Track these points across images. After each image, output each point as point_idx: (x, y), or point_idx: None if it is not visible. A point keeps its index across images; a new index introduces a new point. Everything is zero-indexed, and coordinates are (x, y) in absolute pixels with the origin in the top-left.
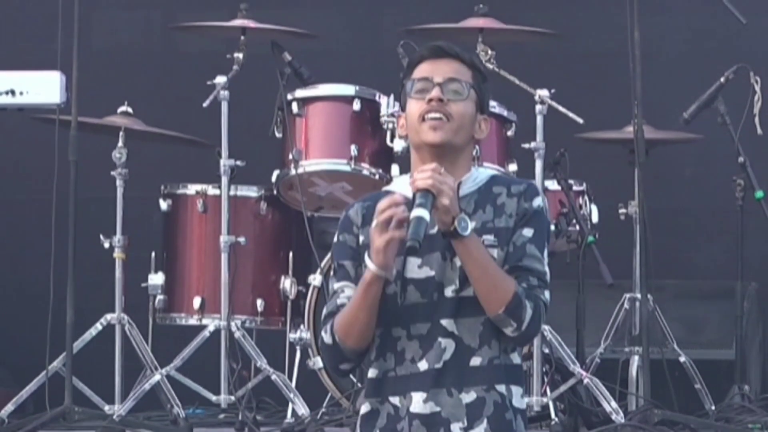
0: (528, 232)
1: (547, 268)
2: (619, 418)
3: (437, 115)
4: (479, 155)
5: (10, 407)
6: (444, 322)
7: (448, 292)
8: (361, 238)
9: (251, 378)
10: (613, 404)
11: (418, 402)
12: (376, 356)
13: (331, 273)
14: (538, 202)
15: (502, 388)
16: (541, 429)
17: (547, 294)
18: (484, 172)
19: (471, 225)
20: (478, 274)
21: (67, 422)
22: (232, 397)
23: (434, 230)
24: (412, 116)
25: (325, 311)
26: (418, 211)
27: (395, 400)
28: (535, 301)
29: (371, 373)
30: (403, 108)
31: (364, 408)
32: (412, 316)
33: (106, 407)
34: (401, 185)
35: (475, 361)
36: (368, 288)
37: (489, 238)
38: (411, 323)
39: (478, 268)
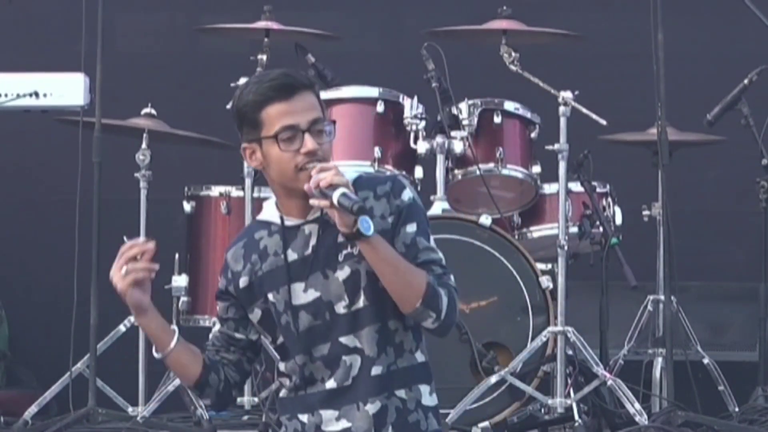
0: (411, 227)
1: (440, 254)
2: (642, 419)
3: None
4: (503, 157)
5: (33, 409)
6: (343, 339)
7: (340, 308)
8: (241, 282)
9: (275, 380)
10: (637, 406)
11: (330, 420)
12: (286, 380)
13: None
14: (407, 194)
15: (402, 393)
16: (565, 431)
17: (452, 279)
18: (346, 174)
19: (372, 225)
20: (389, 273)
21: (90, 424)
22: (256, 399)
23: (309, 251)
24: (285, 165)
25: None
26: (338, 191)
27: (303, 417)
28: (447, 288)
29: (282, 393)
30: (256, 141)
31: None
32: (310, 341)
33: (130, 409)
34: (271, 211)
35: (376, 370)
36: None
37: None
38: (311, 347)
39: (389, 267)
